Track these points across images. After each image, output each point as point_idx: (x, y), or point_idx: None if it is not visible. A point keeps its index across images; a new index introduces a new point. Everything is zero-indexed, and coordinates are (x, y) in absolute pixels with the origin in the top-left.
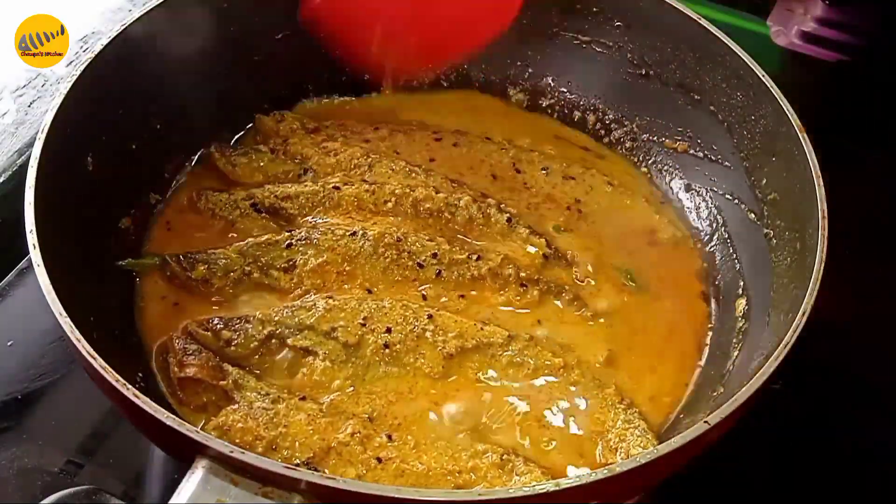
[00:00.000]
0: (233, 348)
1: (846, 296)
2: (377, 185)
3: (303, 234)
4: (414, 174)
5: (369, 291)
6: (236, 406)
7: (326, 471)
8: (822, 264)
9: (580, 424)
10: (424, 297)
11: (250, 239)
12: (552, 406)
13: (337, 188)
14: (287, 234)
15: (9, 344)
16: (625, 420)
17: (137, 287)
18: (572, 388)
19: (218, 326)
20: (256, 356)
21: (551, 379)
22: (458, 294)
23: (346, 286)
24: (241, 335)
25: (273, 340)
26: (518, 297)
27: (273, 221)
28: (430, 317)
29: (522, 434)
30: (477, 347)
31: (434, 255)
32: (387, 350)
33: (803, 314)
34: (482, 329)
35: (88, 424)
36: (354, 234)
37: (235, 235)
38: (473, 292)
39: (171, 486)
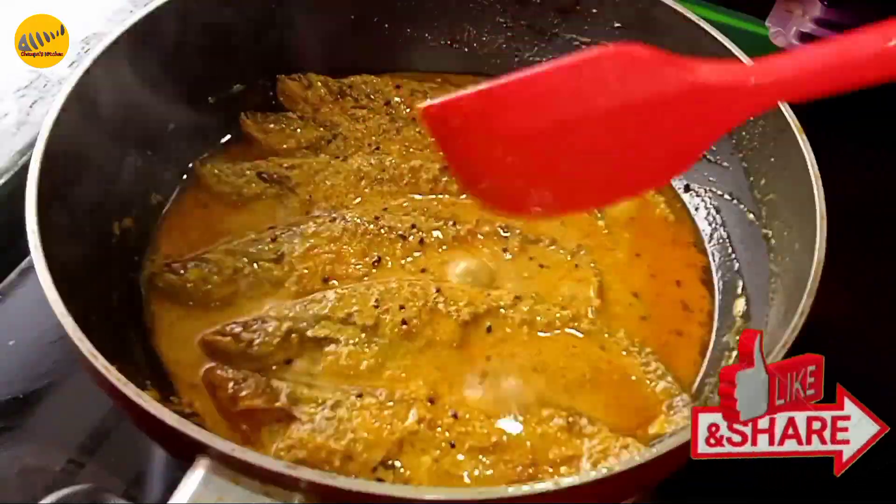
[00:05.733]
0: (255, 348)
1: (846, 296)
2: (379, 157)
3: (284, 227)
4: None
5: (374, 264)
6: (300, 424)
7: (404, 467)
8: (822, 264)
9: (611, 371)
10: (423, 271)
11: (236, 240)
12: (581, 359)
13: (340, 158)
14: (269, 230)
15: (10, 344)
16: (643, 362)
17: (139, 287)
18: (588, 337)
19: (236, 330)
20: (281, 352)
21: (569, 331)
22: (446, 256)
23: (336, 266)
24: (260, 335)
25: (293, 335)
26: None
27: (279, 190)
28: (437, 290)
29: (567, 392)
30: (489, 312)
31: (413, 227)
32: (405, 326)
33: (802, 314)
34: (489, 295)
35: (89, 424)
36: (334, 219)
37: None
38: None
39: (173, 485)
